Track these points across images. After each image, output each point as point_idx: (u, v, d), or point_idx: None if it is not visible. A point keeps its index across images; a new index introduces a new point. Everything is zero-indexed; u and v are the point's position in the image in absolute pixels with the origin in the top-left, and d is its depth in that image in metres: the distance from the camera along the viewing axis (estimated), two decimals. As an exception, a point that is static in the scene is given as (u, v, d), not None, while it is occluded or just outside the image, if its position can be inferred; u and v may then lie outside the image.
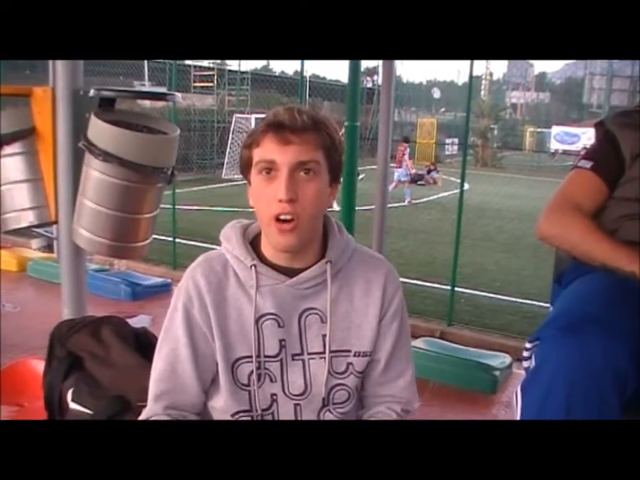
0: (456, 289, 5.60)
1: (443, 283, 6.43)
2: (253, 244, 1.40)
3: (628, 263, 1.49)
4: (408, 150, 16.79)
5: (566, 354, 1.28)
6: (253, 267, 1.35)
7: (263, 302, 1.34)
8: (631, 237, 1.60)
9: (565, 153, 27.87)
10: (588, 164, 1.72)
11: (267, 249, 1.37)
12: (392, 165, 16.30)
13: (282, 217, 1.26)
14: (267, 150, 1.27)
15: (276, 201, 1.26)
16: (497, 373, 3.67)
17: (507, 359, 3.86)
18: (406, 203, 14.45)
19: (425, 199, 15.41)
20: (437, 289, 6.56)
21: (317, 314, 1.37)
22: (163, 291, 5.31)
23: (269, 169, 1.27)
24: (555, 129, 30.88)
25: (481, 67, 42.82)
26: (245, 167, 1.34)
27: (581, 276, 1.57)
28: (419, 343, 4.01)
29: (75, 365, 2.22)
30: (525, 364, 1.47)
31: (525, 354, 1.46)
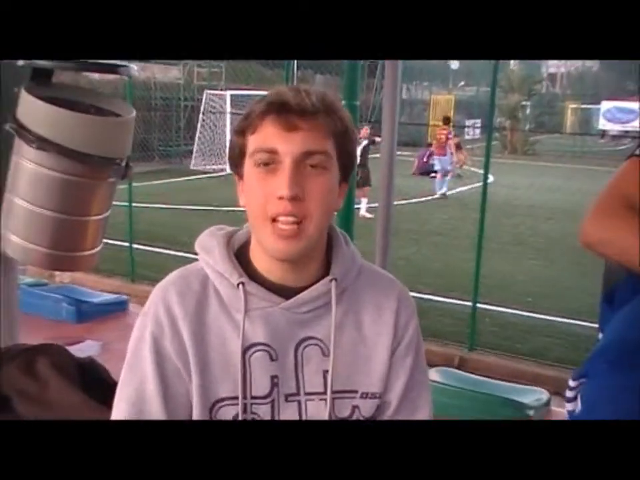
0: (479, 304, 5.63)
1: (462, 297, 6.45)
2: (240, 256, 1.37)
3: None
4: (452, 134, 17.30)
5: (620, 395, 1.28)
6: (240, 286, 1.31)
7: (252, 329, 1.31)
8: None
9: (617, 135, 27.96)
10: None
11: (258, 262, 1.35)
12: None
13: (282, 219, 1.23)
14: (267, 136, 1.24)
15: (275, 199, 1.23)
16: (531, 412, 3.67)
17: (543, 394, 3.86)
18: (438, 194, 15.24)
19: (437, 195, 15.46)
20: (456, 305, 6.59)
21: (317, 345, 1.34)
22: (117, 310, 5.29)
23: (269, 161, 1.24)
24: (605, 105, 30.96)
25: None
26: (236, 158, 1.31)
27: (638, 294, 1.56)
28: (432, 373, 4.01)
29: (1, 407, 2.19)
30: (569, 406, 1.46)
31: (569, 394, 1.45)
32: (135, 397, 1.31)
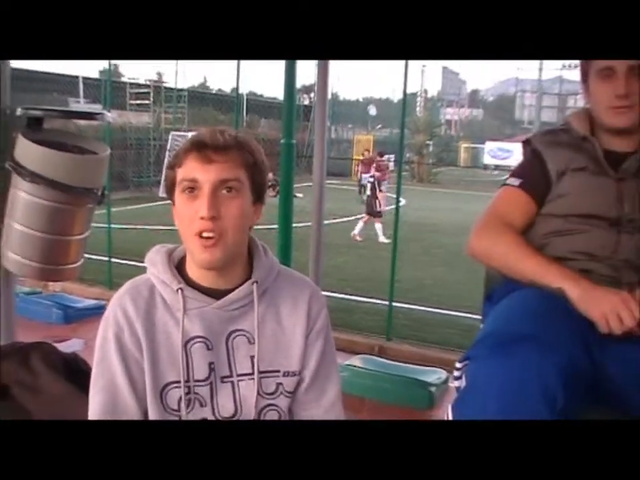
0: (394, 303, 5.65)
1: (381, 298, 6.46)
2: (179, 267, 1.39)
3: (555, 279, 1.52)
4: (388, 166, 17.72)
5: (496, 373, 1.29)
6: (179, 291, 1.34)
7: (190, 325, 1.33)
8: (559, 253, 1.63)
9: (497, 168, 28.56)
10: (516, 181, 1.75)
11: (192, 271, 1.37)
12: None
13: (204, 235, 1.27)
14: (190, 169, 1.28)
15: (198, 219, 1.26)
16: (433, 388, 3.71)
17: (442, 374, 3.90)
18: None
19: (362, 215, 15.57)
20: (376, 305, 6.59)
21: (244, 335, 1.37)
22: (97, 313, 5.16)
23: (192, 187, 1.27)
24: (489, 145, 31.64)
25: (415, 84, 43.69)
26: (170, 188, 1.34)
27: (511, 293, 1.58)
28: (355, 360, 4.02)
29: (2, 395, 2.16)
30: (456, 383, 1.48)
31: (456, 373, 1.47)
32: (108, 387, 1.32)
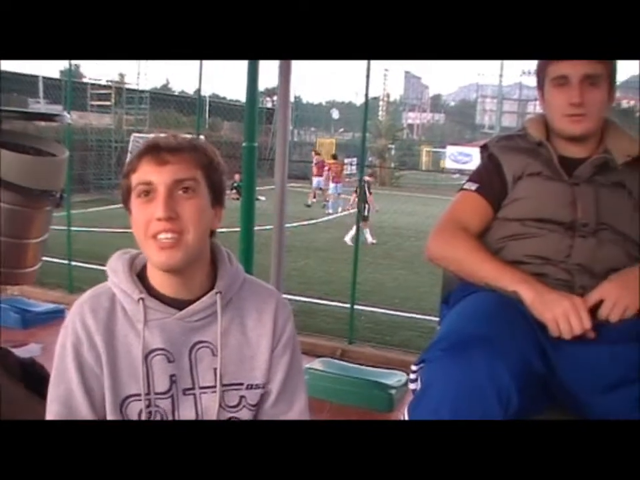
0: (356, 306, 5.65)
1: (343, 300, 6.47)
2: (141, 275, 1.36)
3: (510, 282, 1.53)
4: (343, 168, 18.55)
5: (450, 375, 1.30)
6: (140, 301, 1.31)
7: (151, 337, 1.30)
8: (514, 257, 1.65)
9: (459, 172, 28.85)
10: (473, 186, 1.78)
11: (155, 280, 1.34)
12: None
13: (161, 235, 1.24)
14: (144, 172, 1.26)
15: (154, 221, 1.24)
16: (393, 391, 3.72)
17: (403, 376, 3.91)
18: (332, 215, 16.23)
19: (324, 218, 15.61)
20: (338, 307, 6.59)
21: (207, 347, 1.34)
22: (56, 317, 5.08)
23: (147, 190, 1.26)
24: (450, 149, 31.98)
25: (378, 88, 43.93)
26: (125, 196, 1.32)
27: (467, 296, 1.60)
28: (316, 364, 4.02)
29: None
30: (412, 386, 1.49)
31: (412, 376, 1.48)
32: (63, 397, 1.29)
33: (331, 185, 17.64)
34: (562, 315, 1.44)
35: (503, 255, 1.67)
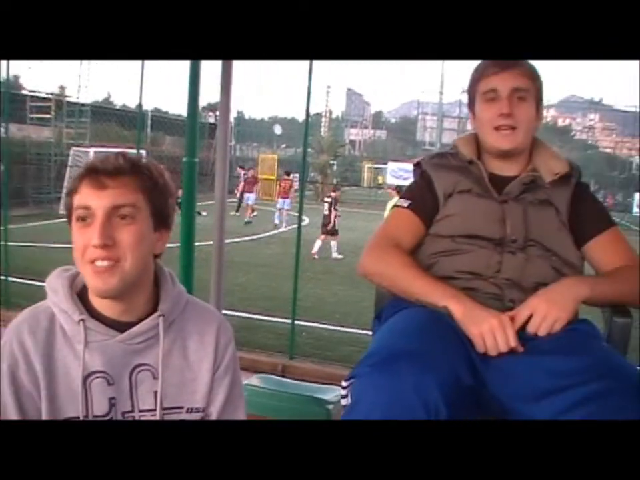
0: (297, 322, 5.66)
1: (284, 316, 6.47)
2: (82, 294, 1.33)
3: (441, 298, 1.56)
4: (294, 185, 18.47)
5: (378, 390, 1.31)
6: (81, 322, 1.27)
7: (91, 359, 1.27)
8: (445, 272, 1.69)
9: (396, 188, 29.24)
10: (406, 203, 1.82)
11: (95, 300, 1.31)
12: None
13: (97, 263, 1.22)
14: (83, 196, 1.24)
15: (91, 246, 1.22)
16: (331, 406, 3.73)
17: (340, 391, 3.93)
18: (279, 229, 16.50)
19: (266, 234, 15.59)
20: (279, 323, 6.58)
21: (148, 370, 1.32)
22: (-11, 334, 4.96)
23: (85, 215, 1.23)
24: (391, 165, 32.35)
25: (320, 104, 44.22)
26: (68, 215, 1.29)
27: (398, 312, 1.61)
28: (254, 380, 4.00)
29: None
30: (343, 401, 1.49)
31: (343, 392, 1.48)
32: None
33: (280, 201, 17.76)
34: (488, 331, 1.47)
35: (434, 271, 1.70)
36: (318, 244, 12.35)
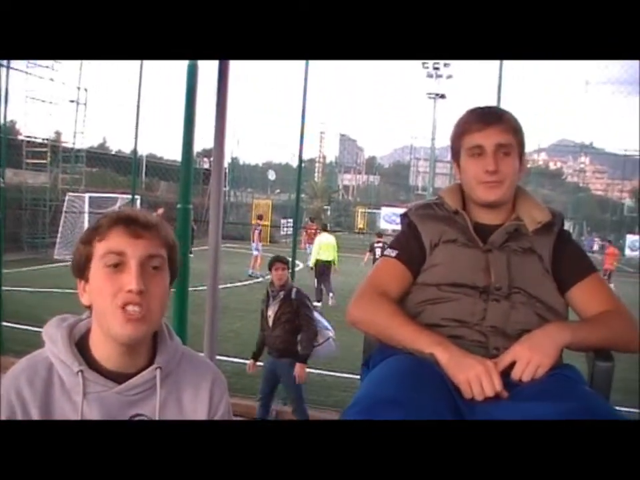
0: (290, 368, 5.63)
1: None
2: (80, 345, 1.34)
3: (427, 345, 1.59)
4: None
5: None
6: (80, 373, 1.29)
7: (89, 410, 1.28)
8: (432, 320, 1.72)
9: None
10: (393, 252, 1.86)
11: (96, 351, 1.33)
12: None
13: (130, 308, 1.25)
14: (116, 242, 1.27)
15: (124, 292, 1.24)
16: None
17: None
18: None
19: (260, 280, 15.58)
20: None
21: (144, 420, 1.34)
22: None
23: (118, 262, 1.26)
24: (384, 210, 32.55)
25: (314, 150, 44.59)
26: (82, 263, 1.31)
27: (385, 359, 1.64)
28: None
29: None
30: None
31: None
32: None
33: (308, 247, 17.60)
34: (474, 377, 1.50)
35: (421, 318, 1.74)
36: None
